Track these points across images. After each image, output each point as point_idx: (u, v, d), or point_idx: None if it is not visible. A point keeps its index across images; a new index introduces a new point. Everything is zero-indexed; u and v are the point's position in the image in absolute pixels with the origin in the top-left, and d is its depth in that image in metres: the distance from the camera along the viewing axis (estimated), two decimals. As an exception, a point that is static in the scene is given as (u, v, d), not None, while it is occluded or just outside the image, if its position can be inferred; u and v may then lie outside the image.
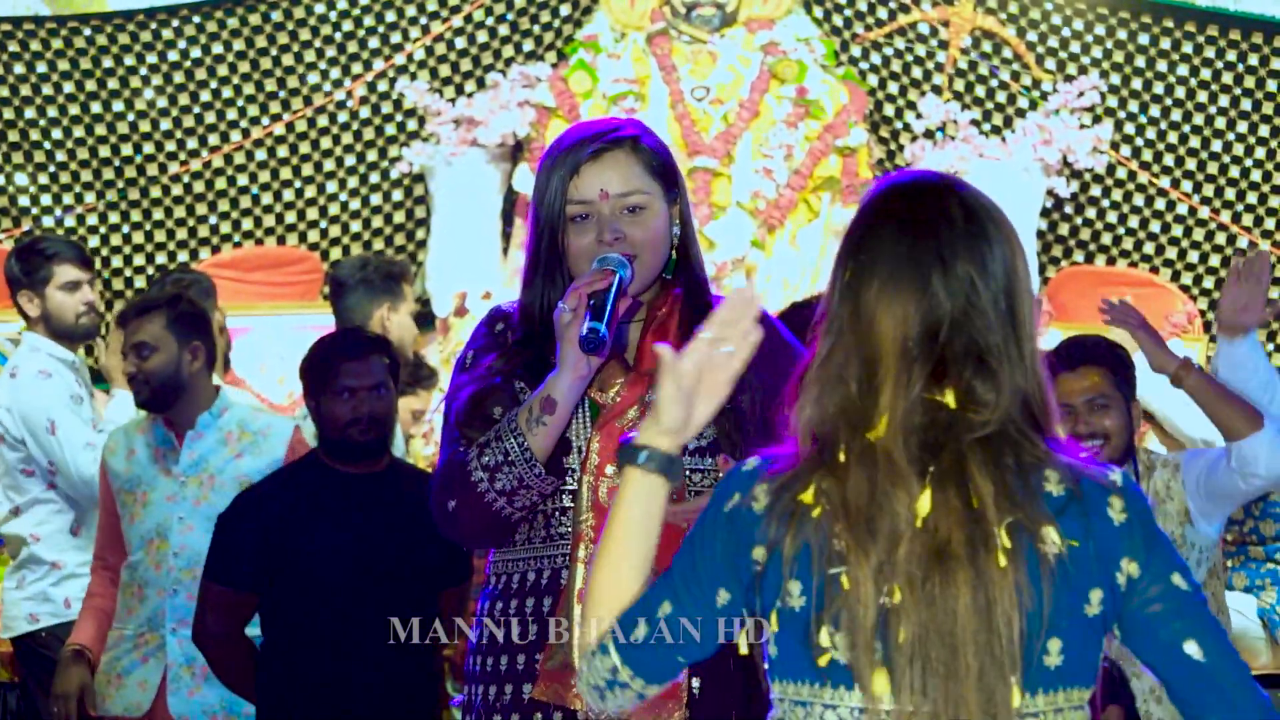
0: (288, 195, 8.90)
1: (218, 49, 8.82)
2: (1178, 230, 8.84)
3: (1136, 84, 8.79)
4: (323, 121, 8.89)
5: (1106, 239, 8.87)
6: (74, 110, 8.78)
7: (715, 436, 3.16)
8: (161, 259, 8.80)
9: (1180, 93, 8.79)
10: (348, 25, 8.86)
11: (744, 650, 2.31)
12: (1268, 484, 4.65)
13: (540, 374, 3.13)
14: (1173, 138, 8.81)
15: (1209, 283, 8.82)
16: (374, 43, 8.87)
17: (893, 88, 8.89)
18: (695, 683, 3.10)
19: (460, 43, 8.91)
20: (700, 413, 2.34)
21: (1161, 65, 8.78)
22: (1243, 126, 8.78)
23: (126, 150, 8.81)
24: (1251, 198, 8.80)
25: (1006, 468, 2.21)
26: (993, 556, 2.18)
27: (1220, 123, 8.78)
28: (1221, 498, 4.69)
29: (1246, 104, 8.77)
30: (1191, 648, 2.27)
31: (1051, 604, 2.19)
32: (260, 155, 8.88)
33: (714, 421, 3.11)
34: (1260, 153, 8.78)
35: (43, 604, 5.90)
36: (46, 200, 8.78)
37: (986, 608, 2.17)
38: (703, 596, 2.29)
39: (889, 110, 8.87)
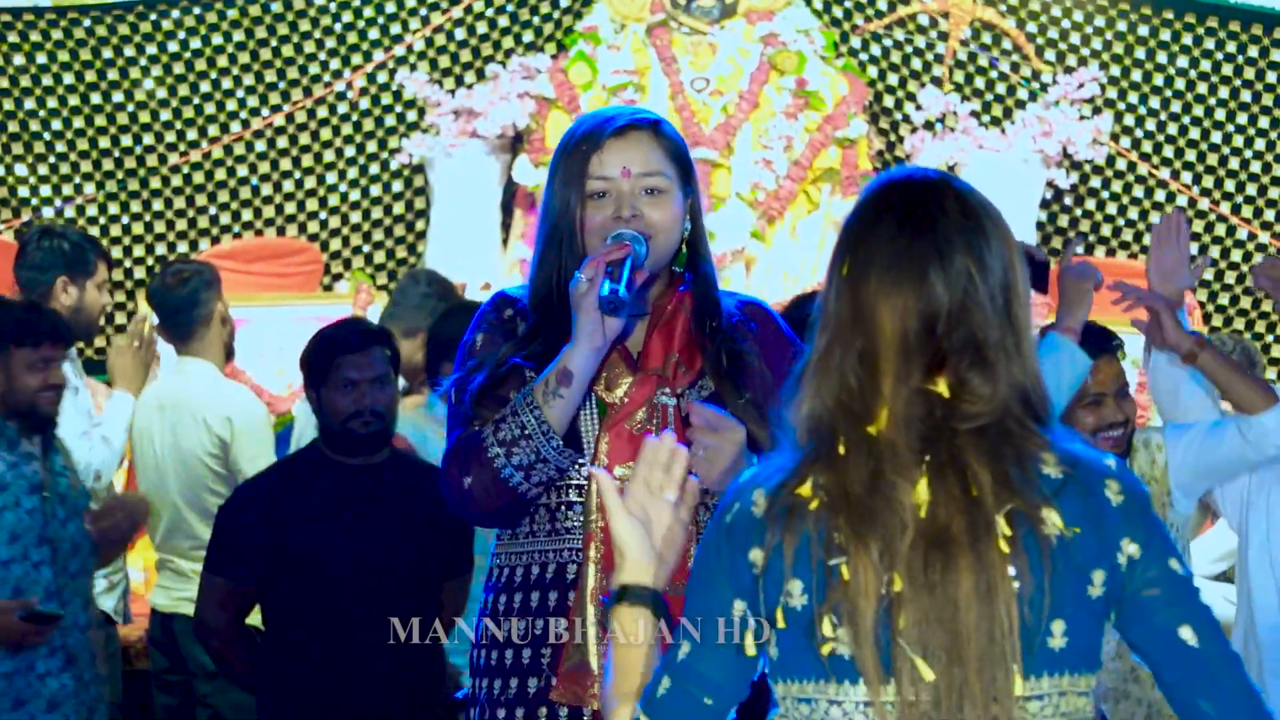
0: (287, 186, 8.90)
1: (217, 40, 8.82)
2: (1177, 221, 8.83)
3: (1136, 75, 8.80)
4: (322, 113, 8.89)
5: (1106, 230, 8.88)
6: (74, 101, 8.78)
7: None
8: (161, 250, 8.80)
9: (1180, 84, 8.79)
10: (347, 16, 8.86)
11: (751, 651, 2.30)
12: None
13: (551, 363, 3.11)
14: (1173, 129, 8.81)
15: (1208, 273, 8.82)
16: (374, 34, 8.87)
17: (892, 79, 8.89)
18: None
19: (460, 34, 8.91)
20: (669, 557, 2.40)
21: (1161, 57, 8.79)
22: (1243, 118, 8.78)
23: (126, 141, 8.81)
24: (1251, 189, 8.81)
25: (1004, 457, 2.23)
26: (993, 543, 2.19)
27: (1220, 114, 8.79)
28: (1218, 471, 4.75)
29: (1246, 95, 8.78)
30: (1186, 633, 2.28)
31: (1054, 586, 2.20)
32: (260, 146, 8.87)
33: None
34: (1260, 144, 8.79)
35: None
36: (46, 191, 8.78)
37: (988, 594, 2.18)
38: (720, 615, 2.29)
39: (889, 101, 8.88)
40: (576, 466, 3.14)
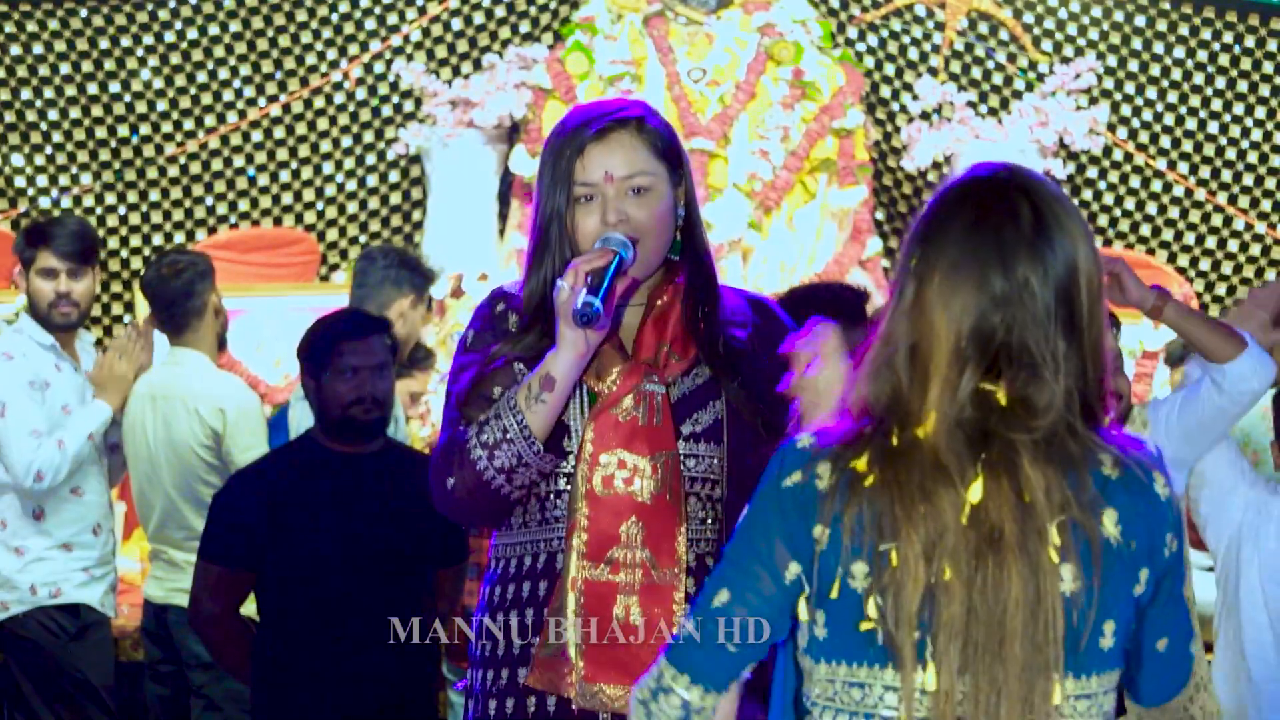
0: (284, 176, 8.90)
1: (214, 30, 8.82)
2: (1174, 212, 8.85)
3: (1133, 66, 8.80)
4: (319, 103, 8.89)
5: (1103, 220, 8.88)
6: (71, 91, 8.78)
7: (712, 423, 3.17)
8: (158, 240, 8.81)
9: (1177, 75, 8.79)
10: (344, 6, 8.86)
11: (805, 617, 2.29)
12: (1258, 397, 4.68)
13: (541, 358, 3.12)
14: (1169, 120, 8.81)
15: (1205, 264, 8.83)
16: (370, 24, 8.87)
17: (889, 69, 8.89)
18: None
19: (457, 24, 8.91)
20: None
21: (1158, 47, 8.78)
22: (1239, 108, 8.79)
23: (123, 131, 8.81)
24: (1247, 179, 8.81)
25: (1058, 464, 2.24)
26: (1045, 549, 2.21)
27: (1217, 105, 8.79)
28: (1203, 430, 4.72)
29: (1243, 86, 8.78)
30: (1162, 644, 2.36)
31: (1107, 589, 2.23)
32: (257, 136, 8.88)
33: (726, 402, 3.16)
34: (1256, 134, 8.79)
35: (10, 591, 5.89)
36: (43, 181, 8.79)
37: (1036, 601, 2.19)
38: (768, 575, 2.29)
39: (885, 92, 8.88)
40: (566, 457, 3.15)
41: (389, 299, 6.48)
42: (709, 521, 3.14)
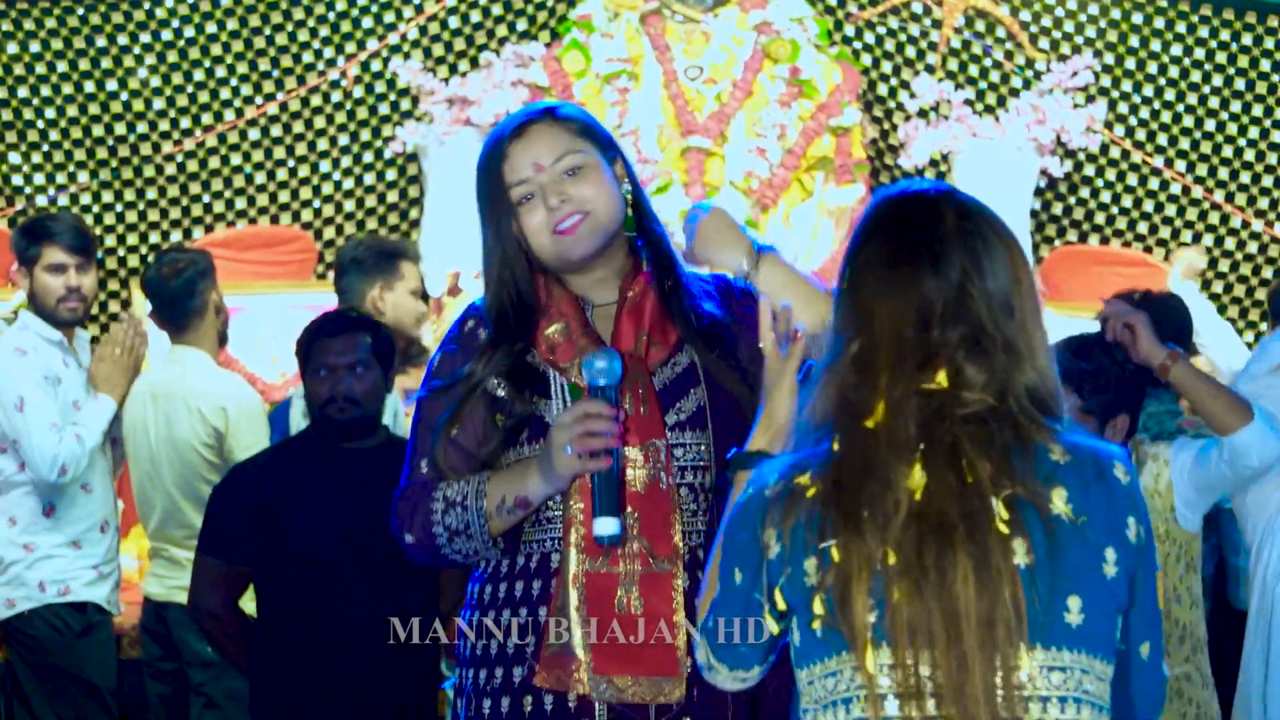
0: (281, 175, 8.90)
1: (211, 28, 8.82)
2: (1171, 210, 8.86)
3: (1130, 64, 8.80)
4: (316, 101, 8.89)
5: (1100, 218, 8.89)
6: (68, 90, 8.78)
7: (695, 410, 3.18)
8: (155, 238, 8.81)
9: (1174, 72, 8.80)
10: (341, 4, 8.86)
11: (775, 630, 2.39)
12: (1259, 474, 4.68)
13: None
14: (1166, 117, 8.82)
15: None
16: (367, 22, 8.87)
17: (886, 67, 8.89)
18: (692, 660, 3.10)
19: (454, 22, 8.91)
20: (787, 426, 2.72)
21: (1155, 45, 8.79)
22: (1236, 106, 8.80)
23: (120, 130, 8.80)
24: (1245, 177, 8.82)
25: (1005, 444, 2.27)
26: (991, 527, 2.24)
27: (1214, 102, 8.80)
28: (1208, 489, 4.72)
29: (1240, 84, 8.79)
30: (1145, 650, 2.40)
31: (1065, 564, 2.25)
32: (254, 135, 8.87)
33: (708, 389, 3.17)
34: (1253, 132, 8.80)
35: (18, 588, 5.88)
36: (40, 180, 8.78)
37: (989, 577, 2.23)
38: (746, 586, 2.38)
39: (883, 90, 8.88)
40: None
41: (363, 291, 6.45)
42: (699, 513, 3.15)
